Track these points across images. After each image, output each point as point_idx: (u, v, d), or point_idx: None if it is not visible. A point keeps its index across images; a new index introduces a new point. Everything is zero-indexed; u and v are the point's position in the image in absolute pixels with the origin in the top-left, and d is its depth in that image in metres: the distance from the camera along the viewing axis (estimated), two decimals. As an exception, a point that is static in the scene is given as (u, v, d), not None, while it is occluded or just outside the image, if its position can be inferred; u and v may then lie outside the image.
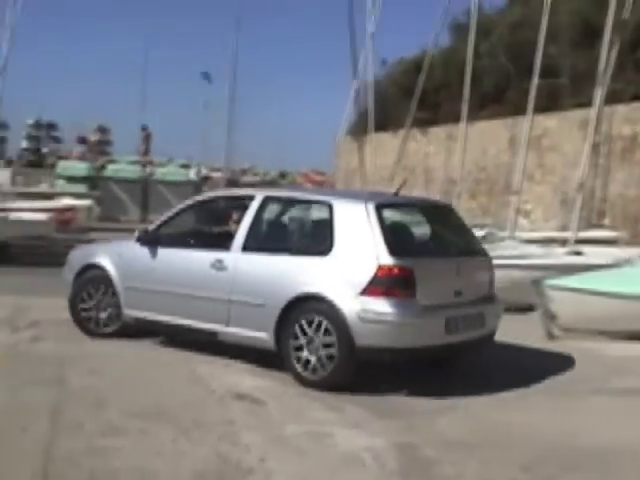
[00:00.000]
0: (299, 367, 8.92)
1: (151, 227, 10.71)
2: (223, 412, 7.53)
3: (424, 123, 30.92)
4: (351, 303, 8.64)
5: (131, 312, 10.45)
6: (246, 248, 9.57)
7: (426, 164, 31.90)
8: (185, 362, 9.38)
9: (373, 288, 8.63)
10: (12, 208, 23.47)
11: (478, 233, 16.40)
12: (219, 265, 9.62)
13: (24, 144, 77.92)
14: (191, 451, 6.41)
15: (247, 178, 62.05)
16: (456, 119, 26.06)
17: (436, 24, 27.65)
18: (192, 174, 48.01)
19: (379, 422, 7.68)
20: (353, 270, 8.80)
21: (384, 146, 31.69)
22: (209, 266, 9.67)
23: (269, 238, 9.86)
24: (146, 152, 58.05)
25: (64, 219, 25.11)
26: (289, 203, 10.19)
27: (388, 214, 9.35)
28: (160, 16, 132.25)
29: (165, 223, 10.56)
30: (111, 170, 44.57)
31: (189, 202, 10.79)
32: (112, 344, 10.23)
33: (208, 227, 11.71)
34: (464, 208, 24.79)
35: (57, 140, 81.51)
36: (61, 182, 40.54)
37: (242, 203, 10.26)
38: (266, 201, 9.85)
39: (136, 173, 44.26)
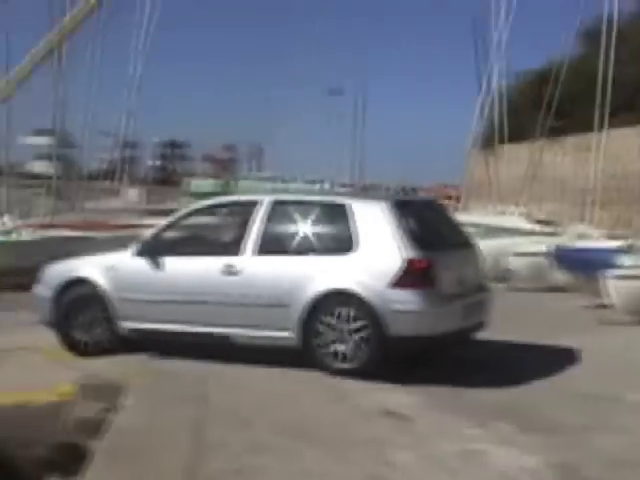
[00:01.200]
0: (331, 360, 9.25)
1: (145, 237, 10.72)
2: (370, 430, 7.28)
3: (555, 133, 30.17)
4: (380, 296, 9.14)
5: (128, 324, 10.37)
6: (258, 252, 9.80)
7: (557, 174, 31.12)
8: (324, 378, 9.16)
9: (400, 281, 9.17)
10: (142, 224, 23.74)
11: (618, 244, 15.82)
12: (229, 270, 9.77)
13: (155, 162, 79.62)
14: (340, 471, 6.18)
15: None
16: (588, 128, 25.33)
17: (568, 33, 26.95)
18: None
19: (527, 437, 7.27)
20: (379, 265, 9.31)
21: (513, 157, 31.04)
22: (218, 271, 9.82)
23: (282, 241, 10.03)
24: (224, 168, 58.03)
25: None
26: (299, 206, 10.30)
27: (401, 211, 9.75)
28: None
29: (161, 232, 10.64)
30: (241, 186, 45.05)
31: (185, 211, 10.88)
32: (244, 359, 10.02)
33: (212, 233, 11.63)
34: (597, 218, 24.03)
35: (185, 158, 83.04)
36: (185, 199, 41.10)
37: (245, 209, 10.41)
38: (275, 205, 10.09)
39: (266, 190, 44.53)
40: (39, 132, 43.32)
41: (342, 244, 9.58)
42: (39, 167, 33.97)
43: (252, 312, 9.66)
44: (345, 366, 9.21)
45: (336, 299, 9.31)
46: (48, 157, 35.27)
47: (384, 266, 9.28)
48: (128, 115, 32.12)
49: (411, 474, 6.23)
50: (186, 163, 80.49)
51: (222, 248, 10.29)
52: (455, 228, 11.00)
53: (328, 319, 9.28)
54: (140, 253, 10.42)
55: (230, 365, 9.60)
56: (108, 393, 8.44)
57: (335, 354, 9.25)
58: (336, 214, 9.84)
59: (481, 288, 10.46)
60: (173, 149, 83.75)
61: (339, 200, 10.11)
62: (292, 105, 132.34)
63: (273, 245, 9.87)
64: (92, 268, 10.68)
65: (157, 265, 10.26)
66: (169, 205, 36.49)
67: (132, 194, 39.58)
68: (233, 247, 10.00)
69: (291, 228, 10.21)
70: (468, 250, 10.62)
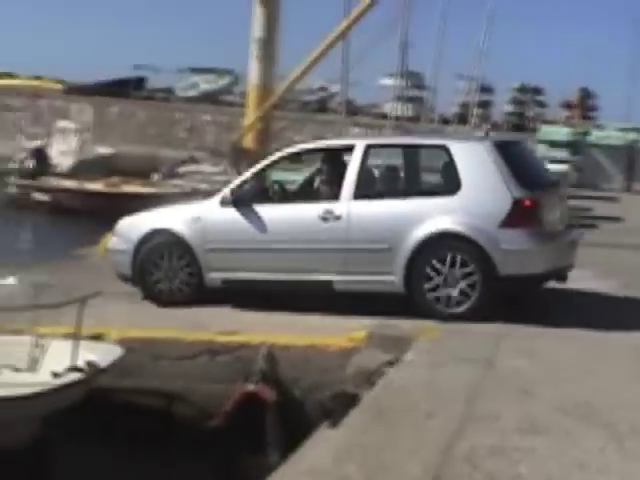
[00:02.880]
0: (438, 304, 9.16)
1: (232, 186, 10.24)
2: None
3: None
4: (490, 236, 9.07)
5: (219, 275, 10.09)
6: (358, 196, 9.56)
7: None
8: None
9: (510, 220, 9.10)
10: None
11: None
12: (329, 215, 9.58)
13: (508, 108, 78.26)
14: (624, 469, 5.32)
15: None
16: None
17: None
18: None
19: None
20: (487, 206, 9.23)
21: None
22: (317, 217, 9.62)
23: (381, 185, 10.00)
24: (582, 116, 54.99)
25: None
26: (396, 149, 10.35)
27: (502, 151, 9.56)
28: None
29: (248, 181, 10.27)
30: (595, 136, 42.95)
31: (273, 158, 10.47)
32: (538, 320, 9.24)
33: (305, 179, 11.15)
34: None
35: (541, 105, 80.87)
36: (542, 147, 39.83)
37: (340, 154, 10.28)
38: (369, 149, 9.79)
39: (621, 140, 42.19)
40: (392, 74, 43.70)
41: (446, 186, 9.56)
42: (391, 108, 34.18)
43: (355, 257, 9.52)
44: (456, 310, 9.14)
45: (444, 241, 9.20)
46: (401, 99, 35.62)
47: (493, 207, 9.21)
48: (481, 56, 31.36)
49: None
50: (546, 110, 78.51)
51: (319, 194, 10.14)
52: (543, 167, 11.01)
53: (436, 262, 9.12)
54: (229, 202, 10.10)
55: (526, 326, 8.96)
56: (396, 345, 8.10)
57: (443, 298, 9.16)
58: (437, 155, 9.76)
59: (572, 226, 10.44)
60: (533, 94, 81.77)
61: (439, 141, 10.09)
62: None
63: (373, 189, 9.79)
64: (175, 219, 10.41)
65: (250, 214, 9.97)
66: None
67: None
68: (331, 192, 9.84)
69: (390, 171, 10.26)
70: (558, 188, 10.55)
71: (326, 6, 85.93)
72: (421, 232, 9.21)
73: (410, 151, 10.32)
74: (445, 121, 45.62)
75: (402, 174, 10.30)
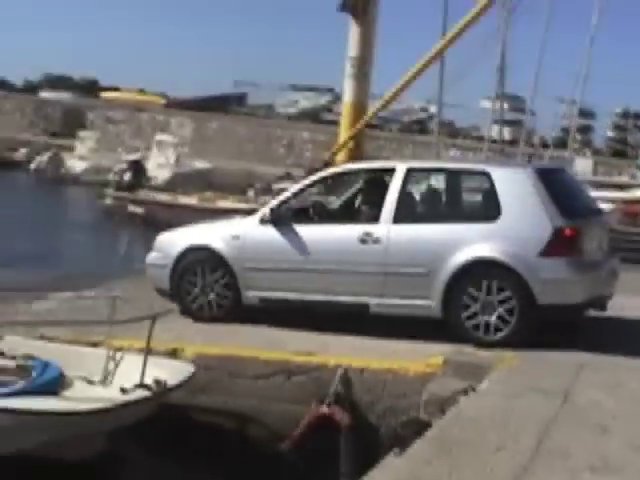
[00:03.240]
0: (476, 331, 9.10)
1: (272, 205, 10.22)
2: None
3: None
4: (529, 265, 9.00)
5: (257, 294, 10.05)
6: (397, 220, 9.56)
7: None
8: None
9: (550, 249, 9.01)
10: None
11: None
12: (368, 238, 9.57)
13: (610, 133, 76.71)
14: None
15: None
16: None
17: None
18: None
19: None
20: (527, 234, 9.14)
21: None
22: (356, 239, 9.60)
23: (421, 209, 10.08)
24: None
25: (632, 211, 23.76)
26: (437, 173, 10.33)
27: (544, 178, 9.49)
28: None
29: (289, 200, 10.25)
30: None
31: (314, 178, 10.44)
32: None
33: (345, 201, 10.97)
34: None
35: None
36: (637, 172, 38.88)
37: (380, 176, 10.22)
38: (410, 173, 9.81)
39: None
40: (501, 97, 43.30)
41: (486, 212, 9.51)
42: (487, 131, 33.77)
43: (392, 281, 9.50)
44: (493, 338, 9.07)
45: (482, 269, 9.17)
46: (498, 122, 35.13)
47: (533, 234, 9.13)
48: (581, 79, 30.65)
49: None
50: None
51: (358, 216, 10.14)
52: (587, 195, 10.85)
53: (473, 289, 9.11)
54: (268, 221, 10.09)
55: (607, 356, 8.70)
56: (472, 372, 7.91)
57: (481, 326, 9.10)
58: (478, 181, 9.79)
59: (613, 255, 10.23)
60: (635, 120, 79.99)
61: (480, 167, 10.00)
62: None
63: (412, 213, 9.82)
64: (214, 236, 10.35)
65: (289, 233, 9.96)
66: (620, 179, 34.79)
67: (581, 164, 38.31)
68: (371, 215, 9.81)
69: (430, 195, 10.32)
70: (601, 217, 10.50)
71: (424, 25, 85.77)
72: (459, 258, 9.20)
73: (452, 176, 10.22)
74: (545, 145, 44.85)
75: (443, 199, 10.30)
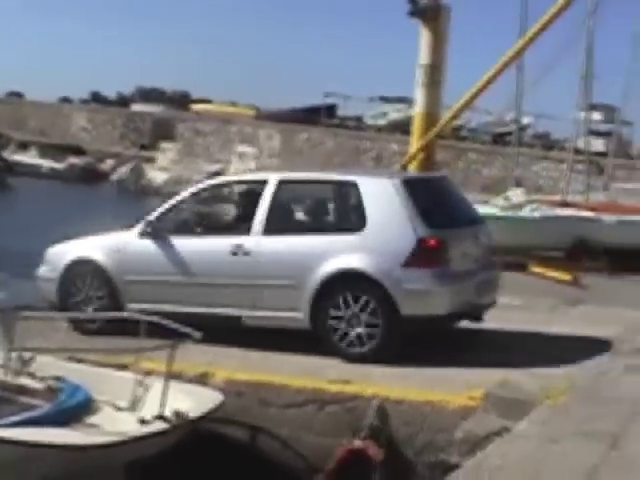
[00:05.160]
0: (342, 343, 9.09)
1: (150, 218, 10.15)
2: None
3: None
4: (392, 276, 8.95)
5: (136, 306, 9.76)
6: (267, 231, 9.54)
7: None
8: None
9: (414, 260, 8.98)
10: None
11: None
12: (239, 250, 9.58)
13: None
14: None
15: None
16: None
17: None
18: None
19: None
20: (390, 244, 9.10)
21: None
22: (228, 252, 9.59)
23: (290, 220, 9.97)
24: None
25: None
26: (307, 184, 10.24)
27: (412, 188, 9.46)
28: None
29: (167, 212, 10.21)
30: None
31: (192, 190, 10.43)
32: None
33: (219, 213, 11.06)
34: None
35: None
36: None
37: (253, 188, 10.16)
38: (281, 184, 9.76)
39: None
40: (593, 107, 41.99)
41: (352, 222, 9.47)
42: (573, 142, 32.58)
43: (263, 293, 9.48)
44: (358, 350, 9.06)
45: (346, 279, 9.11)
46: (598, 133, 33.84)
47: (396, 245, 9.09)
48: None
49: None
50: None
51: (231, 228, 10.13)
52: (465, 205, 10.67)
53: (338, 301, 9.05)
54: (145, 234, 10.13)
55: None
56: (513, 409, 7.13)
57: (348, 338, 9.07)
58: (345, 192, 9.68)
59: (491, 265, 10.10)
60: None
61: (348, 177, 9.83)
62: None
63: (282, 225, 9.70)
64: (96, 249, 10.38)
65: (166, 246, 9.99)
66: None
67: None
68: (242, 227, 9.83)
69: (300, 206, 10.15)
70: (478, 227, 10.27)
71: (499, 30, 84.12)
72: (324, 270, 9.16)
73: (322, 187, 10.18)
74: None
75: (313, 210, 10.18)
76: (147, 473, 7.69)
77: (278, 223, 9.69)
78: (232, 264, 9.66)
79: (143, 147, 48.34)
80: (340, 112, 58.48)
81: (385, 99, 58.63)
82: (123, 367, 8.74)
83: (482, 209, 20.38)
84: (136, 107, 58.41)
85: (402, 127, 56.12)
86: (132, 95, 64.80)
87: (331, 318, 9.15)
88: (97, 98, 65.29)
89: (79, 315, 10.27)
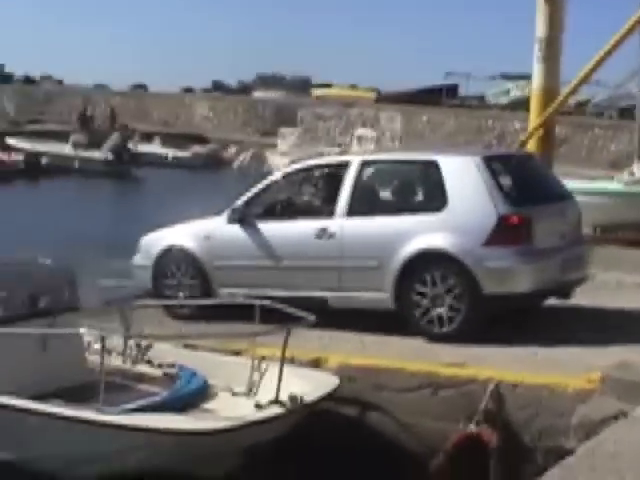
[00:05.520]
0: (425, 322, 9.13)
1: (237, 204, 10.33)
2: None
3: None
4: (474, 254, 8.95)
5: (226, 291, 10.12)
6: (350, 213, 9.64)
7: None
8: None
9: (494, 238, 8.97)
10: None
11: None
12: (324, 233, 9.69)
13: None
14: None
15: None
16: None
17: None
18: None
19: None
20: (472, 222, 9.11)
21: None
22: (313, 235, 9.76)
23: (373, 201, 9.94)
24: None
25: None
26: (389, 165, 10.38)
27: (493, 166, 9.42)
28: None
29: (254, 198, 10.36)
30: None
31: (278, 175, 10.61)
32: None
33: (305, 197, 10.85)
34: None
35: None
36: None
37: (336, 170, 10.16)
38: (364, 166, 9.83)
39: None
40: None
41: (434, 202, 9.46)
42: None
43: (347, 275, 9.58)
44: (442, 330, 9.08)
45: (429, 259, 9.17)
46: None
47: (477, 223, 9.12)
48: None
49: None
50: None
51: (315, 211, 10.19)
52: (553, 182, 10.57)
53: (425, 278, 9.10)
54: (233, 220, 10.29)
55: None
56: (632, 393, 6.87)
57: (432, 318, 9.09)
58: (427, 171, 9.69)
59: (579, 241, 10.11)
60: None
61: (429, 156, 9.86)
62: None
63: (365, 206, 9.75)
64: (186, 236, 10.59)
65: (252, 231, 10.18)
66: None
67: None
68: (326, 210, 9.93)
69: (381, 187, 10.14)
70: (566, 203, 10.17)
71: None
72: (407, 250, 9.23)
73: (403, 167, 10.29)
74: None
75: (396, 190, 10.12)
76: (266, 458, 7.74)
77: (361, 205, 9.77)
78: (317, 247, 9.80)
79: (265, 133, 48.68)
80: (462, 92, 57.74)
81: (506, 76, 57.56)
82: (237, 353, 8.81)
83: (607, 185, 19.93)
84: (257, 94, 58.88)
85: (525, 104, 55.13)
86: (253, 82, 65.36)
87: (416, 294, 9.20)
88: (219, 87, 66.14)
89: (193, 302, 10.37)
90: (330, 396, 7.89)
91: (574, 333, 9.18)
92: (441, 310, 9.09)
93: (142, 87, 66.20)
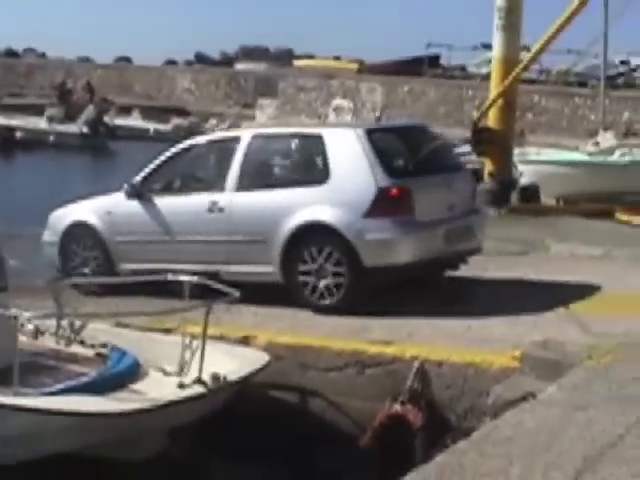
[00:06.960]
0: (310, 294, 9.22)
1: (135, 179, 10.38)
2: None
3: None
4: (355, 226, 9.05)
5: (127, 266, 10.27)
6: (240, 187, 9.75)
7: None
8: None
9: (375, 210, 9.06)
10: None
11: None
12: (214, 207, 9.80)
13: None
14: None
15: None
16: None
17: None
18: None
19: None
20: (353, 195, 9.19)
21: None
22: (205, 209, 9.86)
23: (262, 176, 10.04)
24: None
25: None
26: (278, 139, 10.34)
27: (377, 138, 9.53)
28: None
29: (151, 173, 10.40)
30: None
31: (172, 151, 10.53)
32: None
33: (200, 172, 10.97)
34: None
35: None
36: None
37: (228, 145, 10.27)
38: (253, 140, 9.94)
39: None
40: None
41: (318, 175, 9.54)
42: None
43: (237, 248, 9.69)
44: (326, 302, 9.17)
45: (311, 232, 9.27)
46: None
47: (358, 196, 9.18)
48: None
49: None
50: None
51: (208, 186, 10.24)
52: (444, 151, 10.76)
53: (306, 254, 9.21)
54: (132, 195, 10.34)
55: None
56: (552, 371, 6.68)
57: (318, 290, 9.18)
58: (313, 145, 9.75)
59: (471, 212, 10.09)
60: None
61: (314, 130, 10.14)
62: None
63: (254, 180, 9.85)
64: (90, 212, 10.66)
65: (149, 206, 10.23)
66: None
67: None
68: (218, 184, 10.01)
69: (270, 161, 10.22)
70: (456, 174, 10.25)
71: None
72: (291, 223, 9.31)
73: (291, 141, 10.19)
74: None
75: (283, 164, 10.26)
76: (197, 438, 7.59)
77: (250, 179, 9.86)
78: (208, 221, 9.89)
79: (246, 105, 48.24)
80: (444, 62, 57.25)
81: (487, 46, 57.03)
82: (168, 331, 8.63)
83: (571, 155, 19.72)
84: (240, 66, 58.22)
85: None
86: (236, 54, 64.68)
87: (300, 273, 9.27)
88: (201, 59, 65.38)
89: (125, 280, 10.17)
90: (258, 374, 7.69)
91: (513, 306, 9.00)
92: (325, 282, 9.15)
93: (126, 60, 65.44)
